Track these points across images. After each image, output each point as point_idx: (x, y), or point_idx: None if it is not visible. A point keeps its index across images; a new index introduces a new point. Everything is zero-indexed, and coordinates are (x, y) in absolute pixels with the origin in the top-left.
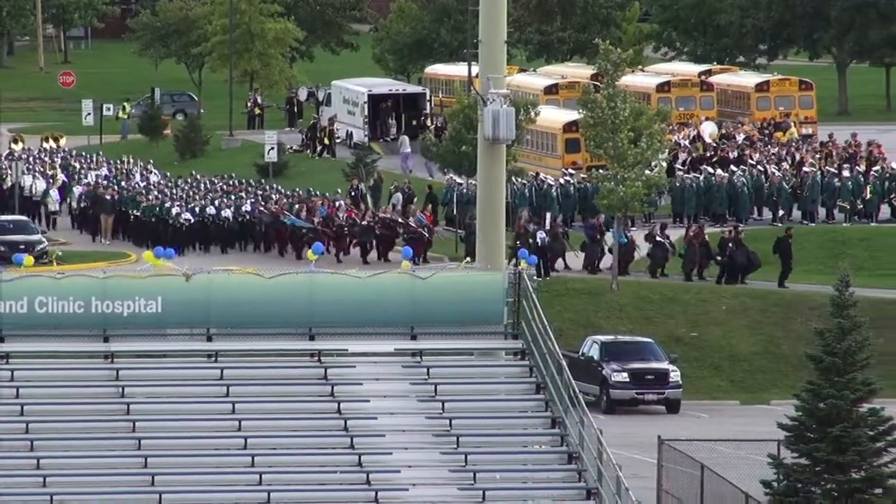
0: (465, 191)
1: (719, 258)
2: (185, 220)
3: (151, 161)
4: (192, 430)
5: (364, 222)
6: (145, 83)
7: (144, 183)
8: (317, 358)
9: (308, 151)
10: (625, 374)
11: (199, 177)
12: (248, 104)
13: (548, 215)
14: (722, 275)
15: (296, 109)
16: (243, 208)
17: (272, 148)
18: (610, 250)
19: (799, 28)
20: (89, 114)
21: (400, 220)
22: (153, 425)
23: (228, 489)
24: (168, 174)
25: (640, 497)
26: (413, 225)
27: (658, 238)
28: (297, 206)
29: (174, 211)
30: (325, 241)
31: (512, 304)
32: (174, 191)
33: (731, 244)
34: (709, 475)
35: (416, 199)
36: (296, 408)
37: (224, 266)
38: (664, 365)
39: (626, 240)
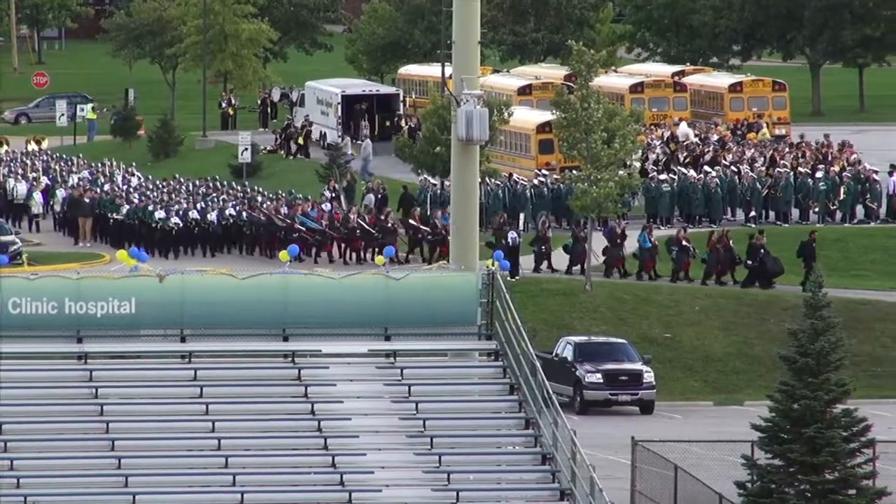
0: (438, 191)
1: (750, 263)
2: (175, 223)
3: (133, 164)
4: (166, 431)
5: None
6: (119, 84)
7: (126, 186)
8: (290, 359)
9: (282, 152)
10: (598, 375)
11: (182, 179)
12: (223, 104)
13: (521, 216)
14: (750, 279)
15: (269, 110)
16: (227, 211)
17: (246, 149)
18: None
19: (772, 29)
20: (63, 114)
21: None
22: (127, 426)
23: (202, 490)
24: (150, 177)
25: (614, 498)
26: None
27: (684, 242)
28: (284, 208)
29: (158, 215)
30: (332, 244)
31: (486, 305)
32: (155, 193)
33: (761, 249)
34: (682, 476)
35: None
36: (269, 409)
37: (198, 267)
38: (638, 366)
39: (649, 244)
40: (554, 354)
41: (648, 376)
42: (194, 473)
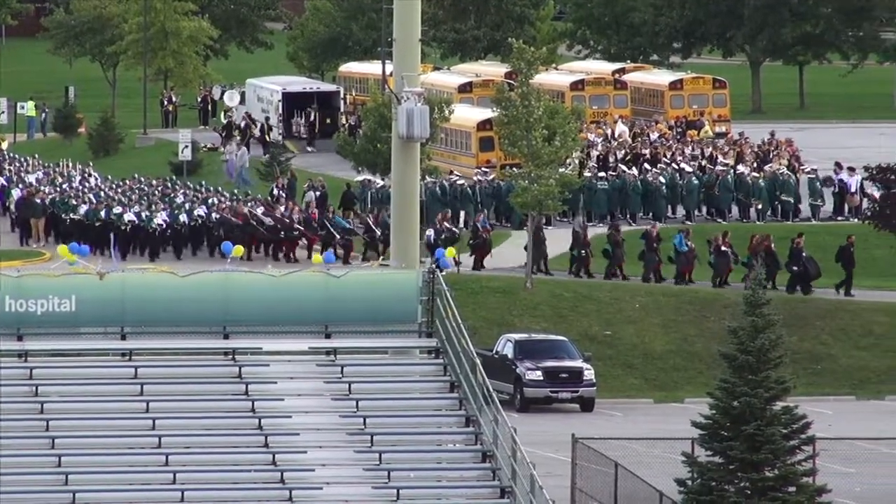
0: (378, 190)
1: (795, 268)
2: (159, 224)
3: (90, 164)
4: (107, 428)
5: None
6: (59, 82)
7: (82, 186)
8: (231, 356)
9: (222, 149)
10: (539, 373)
11: (142, 178)
12: (164, 102)
13: (462, 214)
14: (794, 284)
15: (210, 108)
16: (196, 212)
17: (186, 146)
18: (527, 247)
19: (712, 26)
20: (3, 112)
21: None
22: (67, 424)
23: (142, 488)
24: (109, 177)
25: (554, 496)
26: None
27: (722, 247)
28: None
29: (128, 217)
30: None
31: (426, 303)
32: (109, 193)
33: (804, 253)
34: (623, 474)
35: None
36: (210, 406)
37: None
38: (578, 363)
39: (686, 248)
40: (494, 352)
41: (589, 374)
42: (135, 471)
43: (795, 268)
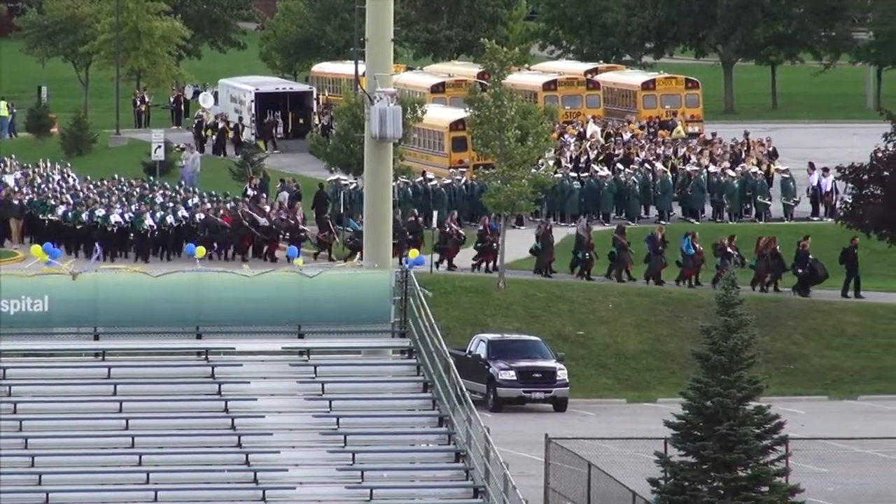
0: (352, 190)
1: (800, 270)
2: (150, 226)
3: (69, 164)
4: (80, 428)
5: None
6: (32, 81)
7: (60, 187)
8: (204, 356)
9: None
10: (512, 373)
11: (122, 179)
12: (136, 102)
13: (434, 214)
14: (800, 286)
15: (182, 108)
16: (179, 213)
17: (159, 146)
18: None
19: (685, 27)
20: None
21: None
22: (40, 424)
23: (116, 488)
24: (88, 178)
25: (527, 495)
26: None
27: (728, 250)
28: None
29: (114, 218)
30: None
31: (399, 303)
32: (89, 195)
33: (810, 255)
34: (596, 473)
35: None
36: (183, 406)
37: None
38: (551, 363)
39: (693, 251)
40: (467, 352)
41: (562, 374)
42: (108, 471)
43: (801, 270)
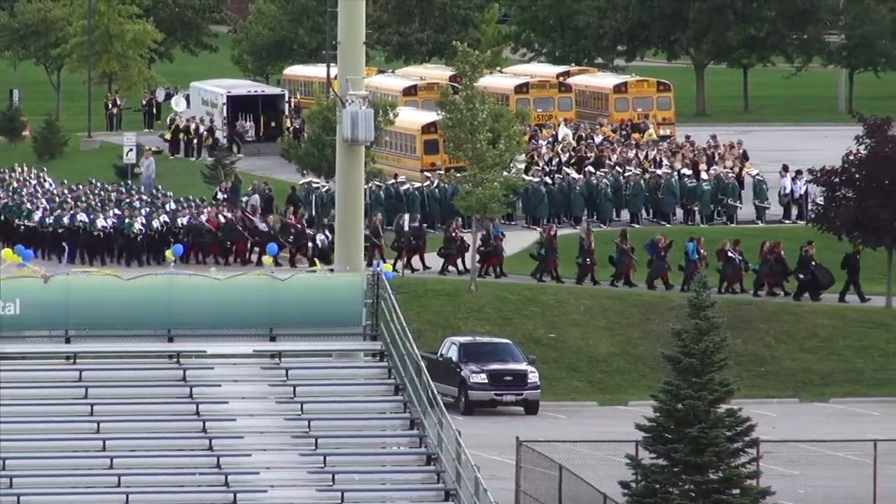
0: (324, 193)
1: (802, 276)
2: (139, 230)
3: (45, 169)
4: (51, 431)
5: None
6: (4, 84)
7: (41, 192)
8: (175, 359)
9: (167, 152)
10: (483, 376)
11: (98, 183)
12: (108, 105)
13: (406, 217)
14: (801, 291)
15: (154, 111)
16: (162, 218)
17: (131, 149)
18: (478, 247)
19: (657, 29)
20: None
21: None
22: (11, 427)
23: (87, 490)
24: (65, 181)
25: (499, 498)
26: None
27: (730, 254)
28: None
29: (100, 223)
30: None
31: (371, 306)
32: (69, 199)
33: (813, 261)
34: (567, 476)
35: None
36: (154, 409)
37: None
38: (523, 366)
39: (697, 256)
40: (439, 355)
41: (533, 376)
42: (79, 474)
43: (802, 275)
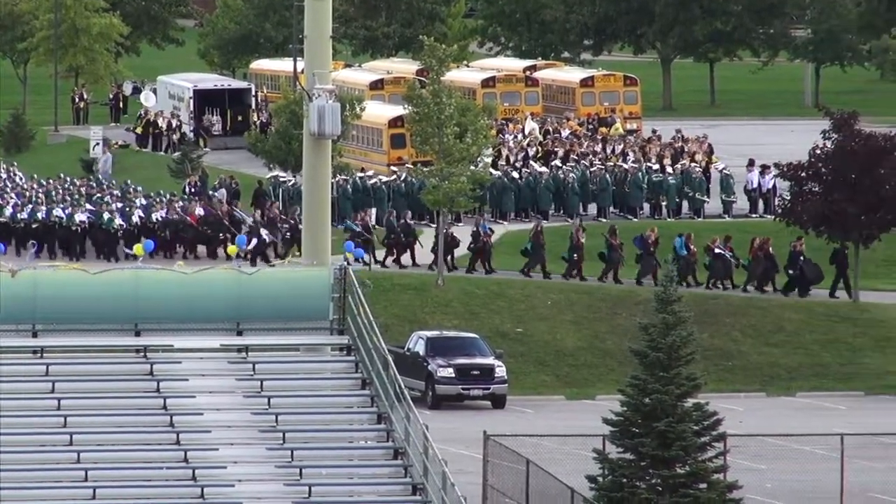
0: (290, 187)
1: (791, 271)
2: (119, 225)
3: (14, 163)
4: (18, 426)
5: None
6: None
7: (10, 186)
8: (142, 354)
9: (134, 145)
10: (450, 370)
11: (68, 178)
12: (76, 98)
13: (372, 211)
14: (790, 287)
15: (121, 105)
16: (137, 213)
17: (97, 143)
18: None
19: (623, 23)
20: None
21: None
22: None
23: (54, 485)
24: (35, 176)
25: (466, 492)
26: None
27: (717, 250)
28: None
29: (78, 217)
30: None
31: (338, 300)
32: (41, 194)
33: (801, 257)
34: (534, 470)
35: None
36: (121, 403)
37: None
38: (490, 360)
39: (686, 252)
40: (406, 349)
41: (500, 371)
42: (46, 469)
43: (791, 271)
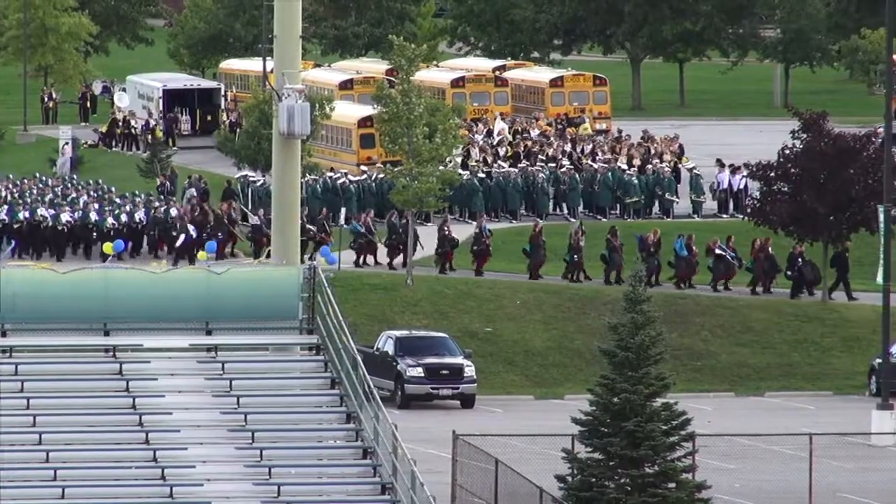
0: (259, 187)
1: (789, 273)
2: (112, 224)
3: None
4: None
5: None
6: None
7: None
8: (112, 353)
9: (101, 145)
10: (419, 369)
11: (44, 178)
12: (45, 98)
13: (342, 211)
14: (795, 289)
15: (89, 104)
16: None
17: (67, 143)
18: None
19: (593, 23)
20: None
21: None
22: None
23: (23, 485)
24: (10, 176)
25: (435, 492)
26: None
27: (718, 251)
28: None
29: (64, 217)
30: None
31: (307, 300)
32: (26, 195)
33: (800, 258)
34: (503, 470)
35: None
36: (91, 403)
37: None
38: (459, 360)
39: (686, 252)
40: (375, 349)
41: (469, 370)
42: (15, 468)
43: (789, 272)
